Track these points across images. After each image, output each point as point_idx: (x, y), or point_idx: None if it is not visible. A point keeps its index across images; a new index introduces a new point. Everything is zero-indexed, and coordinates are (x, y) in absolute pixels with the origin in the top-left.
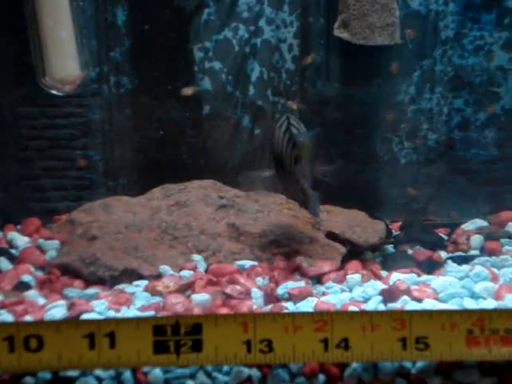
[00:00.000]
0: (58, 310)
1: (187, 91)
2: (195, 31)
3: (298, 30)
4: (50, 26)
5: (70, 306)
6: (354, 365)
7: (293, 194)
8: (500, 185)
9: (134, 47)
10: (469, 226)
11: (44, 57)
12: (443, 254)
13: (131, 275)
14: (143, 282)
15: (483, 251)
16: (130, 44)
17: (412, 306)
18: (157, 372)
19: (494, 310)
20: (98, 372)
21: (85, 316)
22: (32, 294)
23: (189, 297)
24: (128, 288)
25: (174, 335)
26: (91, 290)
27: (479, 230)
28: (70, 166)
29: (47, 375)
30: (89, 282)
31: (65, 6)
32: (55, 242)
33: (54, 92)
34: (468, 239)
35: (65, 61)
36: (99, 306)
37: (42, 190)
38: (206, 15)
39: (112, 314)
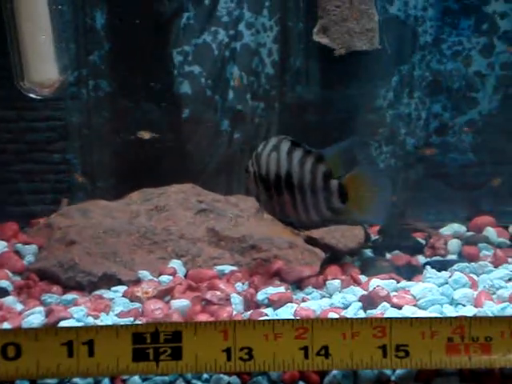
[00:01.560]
0: (35, 317)
1: (143, 135)
2: (175, 35)
3: (278, 34)
4: (29, 29)
5: (48, 313)
6: (334, 372)
7: (306, 217)
8: (477, 189)
9: (113, 51)
10: (446, 230)
11: (22, 60)
12: (421, 259)
13: (110, 280)
14: (122, 288)
15: (461, 256)
16: (109, 48)
17: (391, 312)
18: (135, 379)
19: (475, 318)
20: (77, 380)
21: (63, 323)
22: (9, 300)
23: (168, 302)
24: (107, 294)
25: (154, 343)
26: (69, 296)
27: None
28: (48, 170)
29: (25, 383)
30: (67, 288)
31: (43, 9)
32: (33, 247)
33: (32, 95)
34: (446, 244)
35: (43, 64)
36: (78, 313)
37: (20, 194)
38: (185, 19)
39: (91, 320)
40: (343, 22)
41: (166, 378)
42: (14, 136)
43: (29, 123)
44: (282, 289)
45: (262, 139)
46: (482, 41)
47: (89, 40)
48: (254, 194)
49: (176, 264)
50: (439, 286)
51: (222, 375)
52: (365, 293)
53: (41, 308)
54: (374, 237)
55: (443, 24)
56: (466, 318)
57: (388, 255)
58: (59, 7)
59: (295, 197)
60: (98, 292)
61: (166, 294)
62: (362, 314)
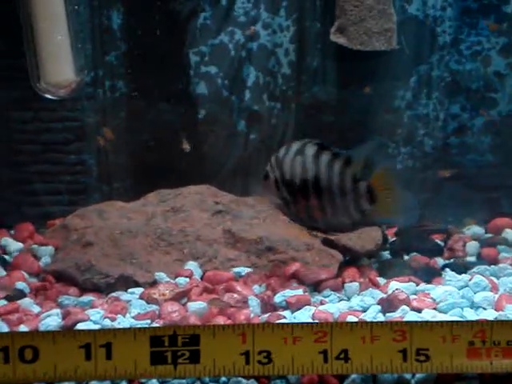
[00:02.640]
0: (52, 319)
1: (185, 146)
2: (191, 35)
3: (295, 34)
4: (45, 29)
5: (65, 315)
6: (353, 376)
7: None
8: (496, 190)
9: (130, 51)
10: (465, 232)
11: (38, 61)
12: (440, 261)
13: (126, 282)
14: (139, 290)
15: (480, 258)
16: (126, 48)
17: (411, 316)
18: (153, 383)
19: (496, 322)
20: (94, 383)
21: (80, 325)
22: (26, 302)
23: (185, 305)
24: (123, 295)
25: (172, 346)
26: (86, 298)
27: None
28: (64, 171)
29: None
30: (84, 289)
31: (60, 9)
32: (49, 248)
33: (48, 96)
34: (464, 246)
35: (60, 65)
36: (95, 315)
37: (36, 195)
38: (202, 19)
39: (108, 322)
40: (361, 22)
41: (184, 382)
42: (30, 137)
43: (45, 124)
44: (299, 291)
45: (279, 140)
46: (501, 41)
47: (105, 40)
48: (274, 200)
49: (192, 266)
50: (459, 289)
51: (240, 378)
52: (384, 296)
53: (58, 310)
54: (391, 238)
55: (462, 24)
56: (487, 321)
57: (406, 257)
58: (76, 7)
59: (323, 201)
60: (114, 294)
61: (182, 296)
62: (380, 318)
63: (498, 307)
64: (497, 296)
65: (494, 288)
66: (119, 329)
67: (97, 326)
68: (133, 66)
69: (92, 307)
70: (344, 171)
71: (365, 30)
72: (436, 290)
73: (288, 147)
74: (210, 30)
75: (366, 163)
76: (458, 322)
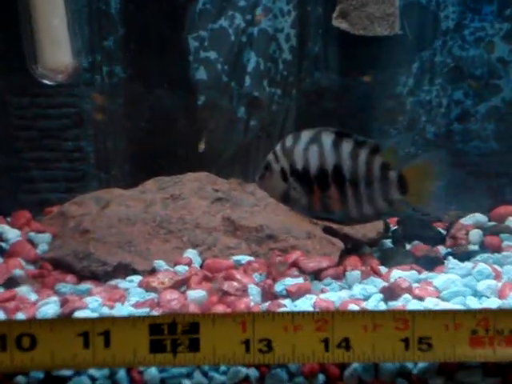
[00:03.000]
0: (50, 307)
1: (200, 146)
2: (190, 20)
3: (296, 19)
4: (42, 13)
5: (63, 303)
6: (355, 365)
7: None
8: (499, 178)
9: (128, 36)
10: (468, 220)
11: (36, 45)
12: (442, 249)
13: (125, 270)
14: (137, 278)
15: (482, 246)
16: (124, 33)
17: (414, 304)
18: (152, 371)
19: (499, 310)
20: (92, 371)
21: (78, 313)
22: (23, 289)
23: (184, 293)
24: (122, 283)
25: (171, 334)
26: (84, 286)
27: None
28: (62, 157)
29: (40, 374)
30: (81, 277)
31: None
32: (47, 236)
33: (45, 81)
34: (467, 234)
35: (57, 50)
36: (93, 303)
37: (33, 182)
38: (201, 4)
39: (106, 310)
40: (363, 7)
41: (183, 370)
42: (27, 123)
43: (42, 110)
44: (300, 280)
45: (279, 127)
46: (505, 26)
47: (103, 25)
48: (277, 193)
49: (192, 254)
50: (462, 278)
51: (240, 367)
52: (386, 284)
53: (55, 298)
54: (393, 227)
55: (465, 9)
56: (490, 310)
57: (408, 246)
58: None
59: (345, 191)
60: (112, 282)
61: (181, 285)
62: (382, 306)
63: (501, 295)
64: (500, 284)
65: (498, 276)
66: (118, 317)
67: (95, 314)
68: (131, 51)
69: (90, 295)
70: (371, 159)
71: (367, 14)
72: (438, 278)
73: (296, 136)
74: (209, 14)
75: (396, 154)
76: (460, 310)
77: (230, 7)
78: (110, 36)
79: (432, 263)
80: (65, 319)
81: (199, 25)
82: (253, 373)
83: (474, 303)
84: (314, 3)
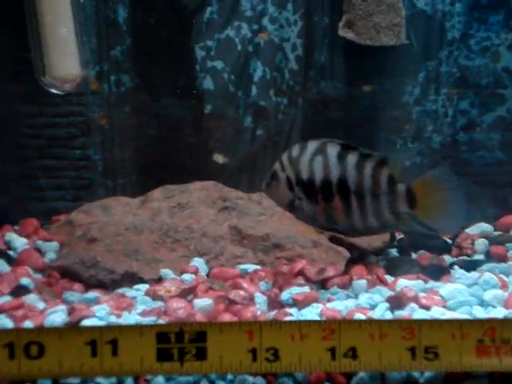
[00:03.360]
0: (58, 315)
1: (218, 158)
2: (197, 30)
3: (302, 29)
4: (51, 23)
5: (71, 311)
6: (361, 374)
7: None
8: (505, 188)
9: (135, 45)
10: (473, 229)
11: (44, 55)
12: (448, 259)
13: (132, 278)
14: (144, 286)
15: (488, 256)
16: (131, 42)
17: (420, 313)
18: (159, 379)
19: (506, 320)
20: (100, 379)
21: (86, 321)
22: (31, 297)
23: (191, 301)
24: (129, 292)
25: (178, 343)
26: (91, 294)
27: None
28: (69, 166)
29: (48, 383)
30: (89, 286)
31: (65, 3)
32: (54, 244)
33: (53, 90)
34: (473, 243)
35: (65, 59)
36: (100, 312)
37: (40, 190)
38: (208, 13)
39: (113, 319)
40: (369, 17)
41: (190, 379)
42: (34, 131)
43: (50, 118)
44: (306, 288)
45: (286, 136)
46: (511, 36)
47: (111, 34)
48: (283, 202)
49: (198, 262)
50: (469, 287)
51: (246, 376)
52: (392, 293)
53: (63, 306)
54: (398, 236)
55: (471, 19)
56: (496, 319)
57: (414, 255)
58: (81, 1)
59: (350, 202)
60: (120, 290)
61: (188, 293)
62: (389, 315)
63: (507, 305)
64: (506, 294)
65: (504, 286)
66: (125, 325)
67: (102, 323)
68: (138, 61)
69: (97, 303)
70: (378, 172)
71: (373, 24)
72: (445, 288)
73: (303, 146)
74: (216, 24)
75: (403, 167)
76: (467, 319)
77: (236, 17)
78: (117, 45)
79: (438, 272)
80: (72, 328)
81: (206, 34)
82: (259, 381)
83: (480, 313)
84: (320, 13)
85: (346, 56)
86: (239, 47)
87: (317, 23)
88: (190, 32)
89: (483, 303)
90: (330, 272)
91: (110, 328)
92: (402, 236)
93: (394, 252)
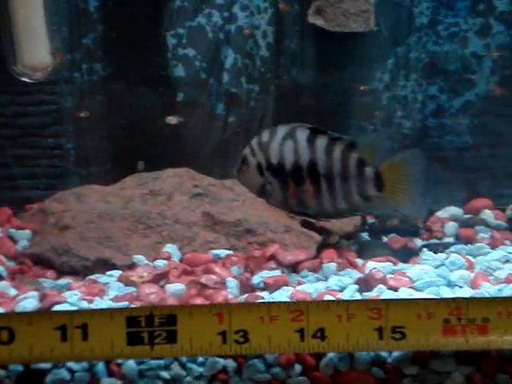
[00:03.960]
0: (29, 302)
1: (171, 120)
2: (168, 17)
3: (273, 16)
4: (21, 12)
5: (42, 297)
6: (330, 354)
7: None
8: (474, 172)
9: (107, 34)
10: (443, 213)
11: (15, 43)
12: (418, 242)
13: (104, 265)
14: (117, 272)
15: (458, 238)
16: (103, 30)
17: (388, 294)
18: (130, 363)
19: (471, 299)
20: (71, 364)
21: (57, 307)
22: (3, 284)
23: (163, 287)
24: (101, 278)
25: (148, 326)
26: (63, 281)
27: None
28: (42, 155)
29: (19, 368)
30: (61, 273)
31: None
32: (27, 232)
33: (25, 79)
34: (443, 226)
35: (36, 48)
36: (72, 297)
37: (13, 179)
38: (179, 1)
39: (85, 305)
40: (338, 3)
41: (161, 362)
42: (6, 120)
43: (22, 107)
44: (277, 272)
45: (258, 123)
46: (479, 22)
47: (82, 23)
48: (254, 186)
49: (171, 248)
50: (436, 268)
51: (217, 358)
52: (361, 275)
53: (35, 293)
54: (369, 220)
55: (439, 5)
56: (462, 299)
57: (385, 238)
58: None
59: (320, 186)
60: (92, 277)
61: (161, 279)
62: (358, 297)
63: (474, 285)
64: (473, 274)
65: (471, 267)
66: (95, 310)
67: (74, 308)
68: (110, 49)
69: (69, 290)
70: (347, 156)
71: (342, 11)
72: (412, 269)
73: (272, 131)
74: (187, 11)
75: (373, 151)
76: (433, 299)
77: (207, 5)
78: (88, 34)
79: (407, 255)
80: (43, 313)
81: (177, 22)
82: (230, 364)
83: (447, 293)
84: (290, 0)
85: (316, 43)
86: (210, 35)
87: (287, 10)
88: (161, 20)
89: (450, 284)
90: (301, 256)
91: (79, 312)
92: (373, 220)
93: (365, 236)
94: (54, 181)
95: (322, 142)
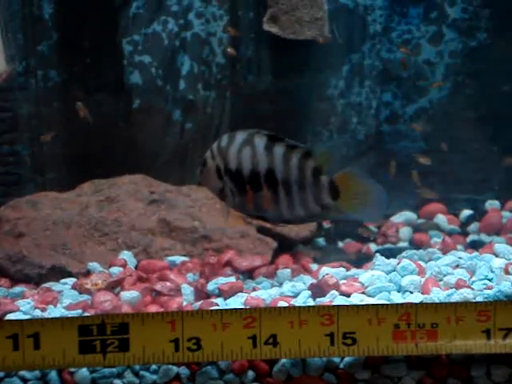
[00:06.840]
0: None
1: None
2: (124, 24)
3: (228, 23)
4: None
5: None
6: (283, 360)
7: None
8: (428, 176)
9: (62, 40)
10: (398, 218)
11: None
12: (373, 247)
13: (59, 273)
14: (71, 280)
15: (412, 243)
16: (58, 37)
17: (340, 300)
18: (83, 372)
19: (420, 305)
20: (23, 373)
21: (10, 316)
22: None
23: (118, 294)
24: (55, 286)
25: (100, 335)
26: (17, 289)
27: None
28: None
29: None
30: (15, 281)
31: None
32: None
33: None
34: (397, 231)
35: None
36: (25, 306)
37: None
38: (134, 8)
39: (38, 313)
40: (293, 11)
41: (114, 370)
42: None
43: None
44: (232, 279)
45: (215, 129)
46: (431, 29)
47: (37, 30)
48: (214, 189)
49: (126, 255)
50: (387, 274)
51: (170, 366)
52: (314, 281)
53: None
54: (326, 225)
55: (392, 13)
56: (412, 304)
57: (340, 243)
58: None
59: (277, 193)
60: (46, 285)
61: (115, 286)
62: (311, 303)
63: (424, 291)
64: (423, 280)
65: (422, 272)
66: (47, 319)
67: (27, 317)
68: (65, 56)
69: (23, 298)
70: (303, 164)
71: (296, 18)
72: (365, 275)
73: (231, 136)
74: (142, 19)
75: (330, 159)
76: (383, 305)
77: (162, 12)
78: (43, 41)
79: (362, 260)
80: None
81: (133, 29)
82: (183, 371)
83: (397, 298)
84: (245, 7)
85: (271, 50)
86: (166, 42)
87: (242, 18)
88: (116, 26)
89: (401, 289)
90: (257, 262)
91: (31, 321)
92: (329, 225)
93: (321, 241)
94: (10, 188)
95: (279, 149)
